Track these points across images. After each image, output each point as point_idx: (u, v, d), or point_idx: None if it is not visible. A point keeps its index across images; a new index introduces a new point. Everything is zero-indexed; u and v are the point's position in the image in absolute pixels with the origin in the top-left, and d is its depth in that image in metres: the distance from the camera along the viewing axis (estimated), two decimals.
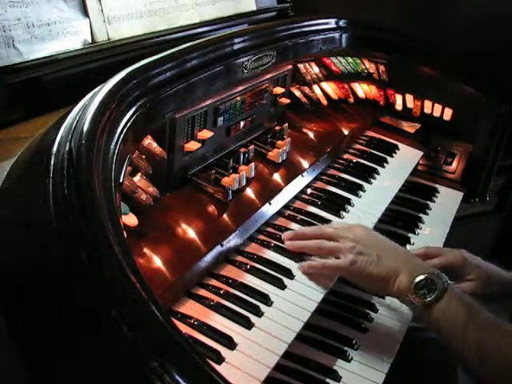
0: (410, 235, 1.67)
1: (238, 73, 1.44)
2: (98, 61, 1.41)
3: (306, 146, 1.70)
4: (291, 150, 1.60)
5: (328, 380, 1.16)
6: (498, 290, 1.36)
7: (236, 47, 1.42)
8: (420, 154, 2.02)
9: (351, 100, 2.03)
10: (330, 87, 1.95)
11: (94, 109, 0.98)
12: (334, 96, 1.95)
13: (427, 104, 2.07)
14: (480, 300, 1.17)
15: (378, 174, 1.80)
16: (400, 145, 2.01)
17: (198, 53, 1.30)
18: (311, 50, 1.82)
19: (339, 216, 1.53)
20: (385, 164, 1.86)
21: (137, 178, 1.16)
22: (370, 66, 2.05)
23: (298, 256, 1.31)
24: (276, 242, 1.35)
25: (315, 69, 1.92)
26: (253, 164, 1.44)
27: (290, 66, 1.70)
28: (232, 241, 1.26)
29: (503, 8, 2.24)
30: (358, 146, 1.94)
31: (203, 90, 1.31)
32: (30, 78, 1.27)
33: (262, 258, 1.29)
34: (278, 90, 1.64)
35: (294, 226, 1.44)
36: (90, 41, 1.44)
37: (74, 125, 0.96)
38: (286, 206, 1.50)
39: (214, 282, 1.20)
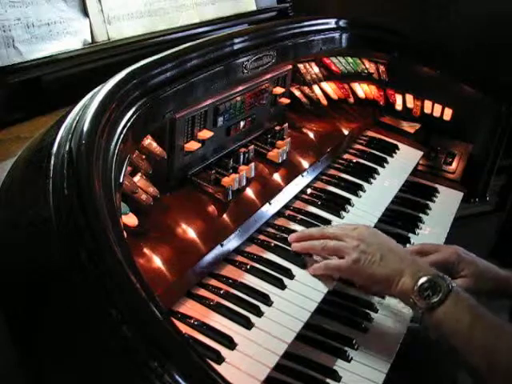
0: (410, 235, 1.67)
1: (237, 73, 1.44)
2: (97, 61, 1.41)
3: (306, 146, 1.70)
4: (291, 150, 1.60)
5: (328, 380, 1.16)
6: (491, 286, 1.35)
7: (236, 47, 1.42)
8: (420, 153, 2.02)
9: (351, 100, 2.02)
10: (329, 87, 1.95)
11: (94, 109, 0.98)
12: (334, 96, 1.95)
13: (427, 104, 2.07)
14: (475, 296, 1.17)
15: (378, 174, 1.80)
16: (400, 145, 2.01)
17: (198, 53, 1.30)
18: (311, 50, 1.82)
19: (339, 216, 1.53)
20: (385, 164, 1.86)
21: (137, 178, 1.16)
22: (369, 66, 2.05)
23: (298, 256, 1.31)
24: (276, 242, 1.35)
25: (315, 69, 1.92)
26: (253, 164, 1.44)
27: (289, 66, 1.70)
28: (232, 241, 1.26)
29: (503, 8, 2.23)
30: (358, 146, 1.94)
31: (203, 90, 1.31)
32: (30, 78, 1.27)
33: (262, 258, 1.29)
34: (278, 90, 1.64)
35: (294, 226, 1.44)
36: (90, 41, 1.44)
37: (73, 125, 0.96)
38: (286, 206, 1.50)
39: (213, 282, 1.20)
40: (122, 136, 1.02)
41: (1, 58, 1.23)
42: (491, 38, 2.23)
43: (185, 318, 1.08)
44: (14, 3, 1.26)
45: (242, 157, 1.45)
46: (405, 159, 1.95)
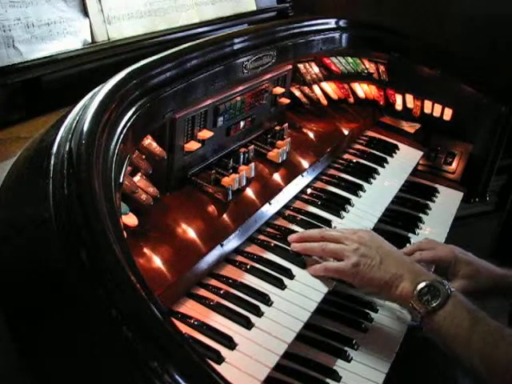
0: (410, 235, 1.67)
1: (237, 73, 1.44)
2: (97, 61, 1.41)
3: (306, 145, 1.70)
4: (291, 150, 1.60)
5: (328, 380, 1.16)
6: (489, 285, 1.35)
7: (236, 47, 1.42)
8: (420, 154, 2.02)
9: (351, 100, 2.02)
10: (329, 87, 1.95)
11: (94, 109, 0.98)
12: (334, 96, 1.95)
13: (427, 104, 2.07)
14: (472, 297, 1.17)
15: (378, 173, 1.80)
16: (400, 145, 2.01)
17: (198, 53, 1.30)
18: (311, 50, 1.82)
19: (339, 216, 1.53)
20: (385, 164, 1.86)
21: (137, 178, 1.16)
22: (370, 66, 2.05)
23: (298, 256, 1.31)
24: (276, 242, 1.35)
25: (315, 69, 1.92)
26: (253, 164, 1.44)
27: (289, 66, 1.70)
28: (232, 241, 1.26)
29: (503, 8, 2.24)
30: (358, 146, 1.94)
31: (203, 90, 1.31)
32: (30, 78, 1.27)
33: (262, 258, 1.29)
34: (278, 89, 1.64)
35: (294, 226, 1.44)
36: (90, 41, 1.44)
37: (73, 125, 0.96)
38: (286, 206, 1.50)
39: (213, 282, 1.20)
40: (121, 136, 1.02)
41: (1, 58, 1.23)
42: (491, 38, 2.23)
43: (185, 318, 1.08)
44: (13, 3, 1.26)
45: (242, 157, 1.45)
46: (405, 159, 1.95)
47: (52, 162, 0.90)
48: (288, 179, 1.52)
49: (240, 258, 1.28)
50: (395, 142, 2.02)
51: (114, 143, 0.99)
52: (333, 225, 1.48)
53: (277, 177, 1.52)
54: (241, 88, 1.46)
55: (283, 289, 1.22)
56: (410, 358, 1.30)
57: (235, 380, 0.90)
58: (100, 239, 0.81)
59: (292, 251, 1.32)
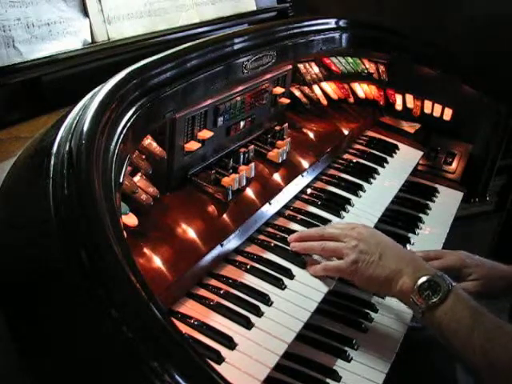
0: (410, 235, 1.67)
1: (237, 73, 1.44)
2: (97, 61, 1.41)
3: (306, 145, 1.70)
4: (291, 150, 1.60)
5: (328, 380, 1.16)
6: (502, 285, 1.36)
7: (236, 47, 1.42)
8: (420, 153, 2.02)
9: (351, 100, 2.02)
10: (329, 87, 1.95)
11: (94, 109, 0.98)
12: (334, 96, 1.95)
13: (427, 104, 2.07)
14: (484, 299, 1.17)
15: (378, 174, 1.80)
16: (400, 145, 2.01)
17: (198, 53, 1.30)
18: (311, 49, 1.82)
19: (339, 216, 1.53)
20: (385, 164, 1.86)
21: (137, 178, 1.16)
22: (370, 66, 2.05)
23: (298, 256, 1.31)
24: (276, 242, 1.35)
25: (315, 69, 1.92)
26: (253, 164, 1.44)
27: (289, 66, 1.70)
28: (232, 241, 1.26)
29: (503, 8, 2.24)
30: (358, 146, 1.94)
31: (203, 90, 1.31)
32: (30, 78, 1.27)
33: (262, 258, 1.29)
34: (278, 89, 1.64)
35: (294, 226, 1.44)
36: (90, 41, 1.44)
37: (74, 125, 0.96)
38: (286, 206, 1.50)
39: (213, 282, 1.20)
40: (122, 136, 1.02)
41: (1, 58, 1.23)
42: (491, 39, 2.23)
43: (185, 318, 1.08)
44: (13, 3, 1.26)
45: (242, 157, 1.45)
46: (405, 159, 1.95)
47: (52, 161, 0.90)
48: (288, 179, 1.52)
49: (240, 258, 1.28)
50: (395, 142, 2.02)
51: (113, 143, 0.99)
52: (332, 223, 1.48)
53: (277, 177, 1.52)
54: (241, 88, 1.46)
55: (283, 289, 1.22)
56: (409, 357, 1.29)
57: (235, 380, 0.90)
58: (100, 239, 0.81)
59: (292, 251, 1.32)
